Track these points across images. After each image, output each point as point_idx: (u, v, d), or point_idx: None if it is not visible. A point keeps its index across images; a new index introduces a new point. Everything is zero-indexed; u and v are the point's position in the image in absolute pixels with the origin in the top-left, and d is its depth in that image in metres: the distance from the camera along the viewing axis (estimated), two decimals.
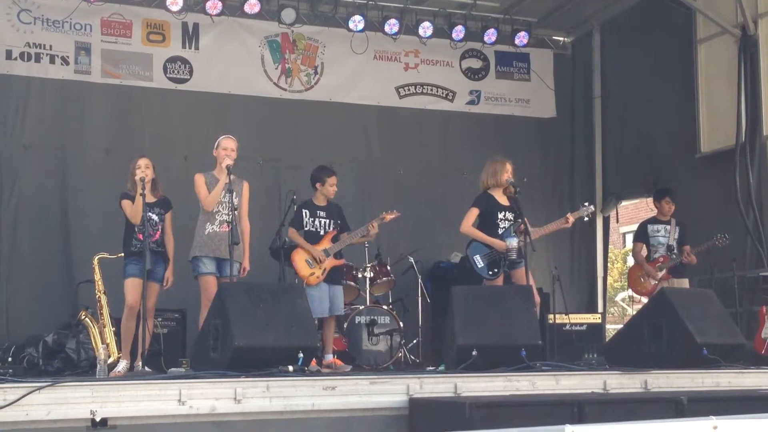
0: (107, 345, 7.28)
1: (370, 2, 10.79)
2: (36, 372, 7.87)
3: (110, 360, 6.99)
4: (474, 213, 7.87)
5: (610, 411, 5.64)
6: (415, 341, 9.41)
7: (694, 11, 10.14)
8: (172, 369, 6.96)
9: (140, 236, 7.19)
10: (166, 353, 8.03)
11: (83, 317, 7.72)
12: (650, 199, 11.34)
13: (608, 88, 11.91)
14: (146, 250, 6.93)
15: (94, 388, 5.28)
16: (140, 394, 5.37)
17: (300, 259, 7.93)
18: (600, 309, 11.51)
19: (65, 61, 9.92)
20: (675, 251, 8.99)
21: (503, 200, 7.87)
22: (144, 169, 7.28)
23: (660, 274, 8.97)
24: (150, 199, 7.30)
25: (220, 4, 10.20)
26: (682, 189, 10.02)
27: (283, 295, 6.59)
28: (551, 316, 9.17)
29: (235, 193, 7.24)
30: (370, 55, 11.06)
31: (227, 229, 7.13)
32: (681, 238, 9.08)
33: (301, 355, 6.11)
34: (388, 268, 9.44)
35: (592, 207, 8.28)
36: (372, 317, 8.90)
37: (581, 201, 11.60)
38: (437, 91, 11.47)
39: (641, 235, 9.30)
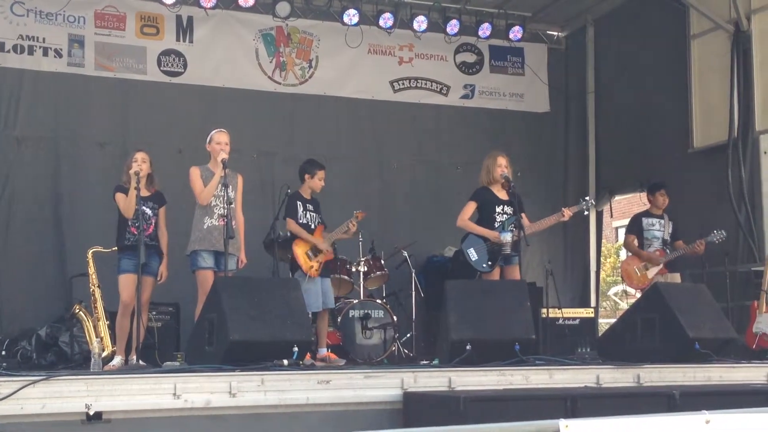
0: (101, 339, 7.28)
1: None
2: (30, 365, 7.86)
3: (104, 354, 6.99)
4: (471, 207, 7.92)
5: (603, 405, 5.69)
6: (408, 335, 9.42)
7: (687, 7, 10.16)
8: (167, 363, 6.97)
9: (133, 230, 7.19)
10: (160, 347, 8.04)
11: (77, 311, 7.71)
12: (643, 194, 11.42)
13: (602, 82, 11.94)
14: (141, 244, 6.92)
15: (88, 382, 5.30)
16: (135, 387, 5.40)
17: (301, 252, 7.92)
18: (593, 303, 11.56)
19: (58, 53, 9.90)
20: (669, 246, 9.00)
21: (502, 195, 7.92)
22: (140, 163, 7.28)
23: (657, 269, 8.95)
24: (144, 193, 7.29)
25: None
26: (675, 184, 10.02)
27: (278, 289, 6.62)
28: (544, 310, 9.19)
29: (230, 186, 7.23)
30: (365, 49, 11.06)
31: (224, 223, 7.12)
32: (674, 233, 9.09)
33: (295, 349, 6.12)
34: (382, 262, 9.45)
35: (592, 201, 8.31)
36: (366, 311, 8.90)
37: (574, 195, 11.79)
38: (431, 86, 11.48)
39: (635, 227, 9.25)
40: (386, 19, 10.81)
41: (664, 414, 4.30)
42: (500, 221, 7.86)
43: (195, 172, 7.47)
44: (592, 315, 9.98)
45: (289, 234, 8.08)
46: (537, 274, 10.40)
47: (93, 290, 7.56)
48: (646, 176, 10.83)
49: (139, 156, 7.39)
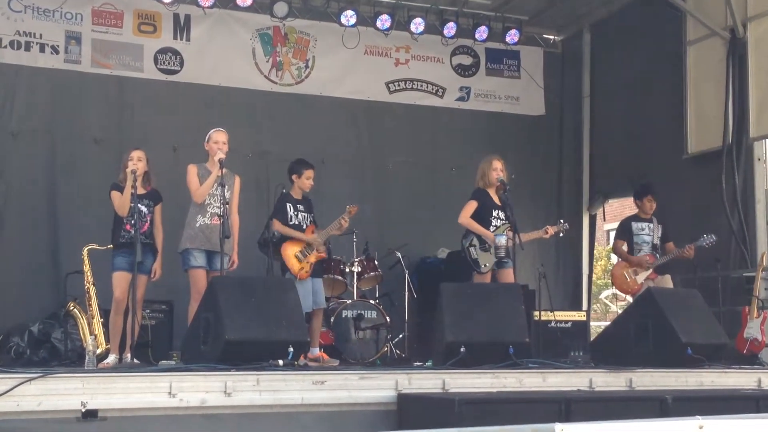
0: (95, 336, 7.28)
1: None
2: (23, 362, 7.87)
3: (98, 351, 6.99)
4: (473, 205, 7.95)
5: (596, 409, 5.70)
6: (401, 336, 9.44)
7: (684, 13, 10.21)
8: (163, 362, 6.98)
9: (129, 227, 7.19)
10: (153, 345, 8.06)
11: (72, 308, 7.71)
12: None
13: (597, 87, 11.98)
14: (137, 242, 6.92)
15: (85, 380, 5.30)
16: (131, 386, 5.40)
17: (290, 255, 7.92)
18: (585, 306, 11.60)
19: (55, 50, 9.90)
20: (658, 250, 9.02)
21: (496, 199, 7.97)
22: (136, 162, 7.29)
23: (645, 275, 8.96)
24: (140, 191, 7.30)
25: None
26: (669, 189, 10.07)
27: (274, 289, 6.63)
28: (537, 313, 9.22)
29: (227, 186, 7.24)
30: (361, 50, 11.09)
31: (218, 222, 7.13)
32: (664, 236, 9.09)
33: (291, 349, 6.14)
34: (376, 262, 9.47)
35: (566, 225, 8.42)
36: (359, 311, 8.92)
37: (569, 199, 11.91)
38: (427, 87, 11.51)
39: (625, 232, 9.19)
40: (383, 21, 10.84)
41: (658, 419, 4.35)
42: (495, 225, 7.90)
43: (192, 170, 7.48)
44: (584, 318, 9.99)
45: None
46: (529, 276, 10.40)
47: (88, 287, 7.56)
48: (640, 181, 10.91)
49: (135, 154, 7.40)
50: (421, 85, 11.50)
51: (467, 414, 5.35)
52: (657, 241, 9.01)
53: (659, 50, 10.75)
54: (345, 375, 6.05)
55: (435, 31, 11.20)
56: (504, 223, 7.89)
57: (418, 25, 11.01)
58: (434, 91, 11.55)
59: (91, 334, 7.34)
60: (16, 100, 9.71)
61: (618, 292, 10.39)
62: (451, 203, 9.75)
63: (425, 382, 6.12)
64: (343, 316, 8.85)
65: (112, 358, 7.08)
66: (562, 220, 8.51)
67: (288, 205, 8.03)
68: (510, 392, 6.17)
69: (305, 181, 8.06)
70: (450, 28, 11.11)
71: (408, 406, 5.89)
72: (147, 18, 10.32)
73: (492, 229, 7.89)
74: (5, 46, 9.69)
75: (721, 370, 7.13)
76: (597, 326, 15.34)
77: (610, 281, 22.59)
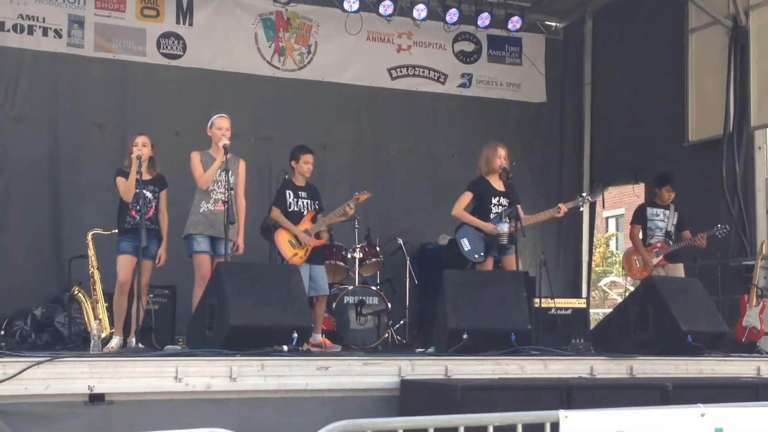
0: (100, 320, 7.32)
1: None
2: (27, 345, 7.91)
3: (103, 335, 7.03)
4: (467, 197, 7.96)
5: (597, 396, 5.77)
6: (402, 322, 9.51)
7: (686, 1, 10.23)
8: (169, 346, 7.03)
9: (134, 213, 7.22)
10: (156, 329, 8.09)
11: (76, 292, 7.75)
12: (636, 186, 11.52)
13: (599, 74, 12.00)
14: (142, 227, 6.96)
15: (92, 364, 5.36)
16: (137, 370, 5.46)
17: (283, 240, 7.96)
18: (584, 294, 11.66)
19: (58, 33, 9.89)
20: (672, 237, 9.02)
21: (499, 185, 7.97)
22: (141, 147, 7.29)
23: (655, 261, 8.93)
24: (145, 176, 7.31)
25: None
26: None
27: (279, 275, 6.69)
28: (537, 300, 9.27)
29: (231, 171, 7.26)
30: (364, 36, 11.08)
31: (223, 208, 7.16)
32: (679, 224, 9.08)
33: (295, 335, 6.19)
34: (377, 249, 9.52)
35: (588, 197, 8.38)
36: (360, 297, 8.98)
37: (569, 186, 11.90)
38: (429, 74, 11.52)
39: (639, 217, 9.24)
40: (386, 7, 10.82)
41: (661, 407, 4.39)
42: (496, 212, 7.91)
43: (195, 157, 7.50)
44: (584, 305, 10.07)
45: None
46: (530, 264, 10.47)
47: (92, 272, 7.59)
48: (640, 168, 10.96)
49: (140, 140, 7.40)
50: (423, 72, 11.50)
51: (469, 400, 5.41)
52: (671, 228, 9.01)
53: (661, 38, 10.76)
54: (349, 361, 6.11)
55: (437, 18, 11.19)
56: (505, 209, 7.89)
57: (420, 11, 11.00)
58: (436, 78, 11.56)
59: (95, 319, 7.38)
60: (20, 85, 9.69)
61: (617, 279, 10.45)
62: (452, 190, 9.73)
63: (428, 368, 6.18)
64: (345, 302, 8.90)
65: (116, 341, 7.11)
66: (584, 193, 8.45)
67: (288, 192, 8.06)
68: (512, 379, 6.23)
69: (303, 165, 8.08)
70: (452, 15, 11.10)
71: (411, 392, 5.96)
72: (150, 2, 10.30)
73: (492, 216, 7.89)
74: (8, 30, 9.66)
75: (721, 358, 7.20)
76: (596, 313, 15.43)
77: (608, 268, 22.79)
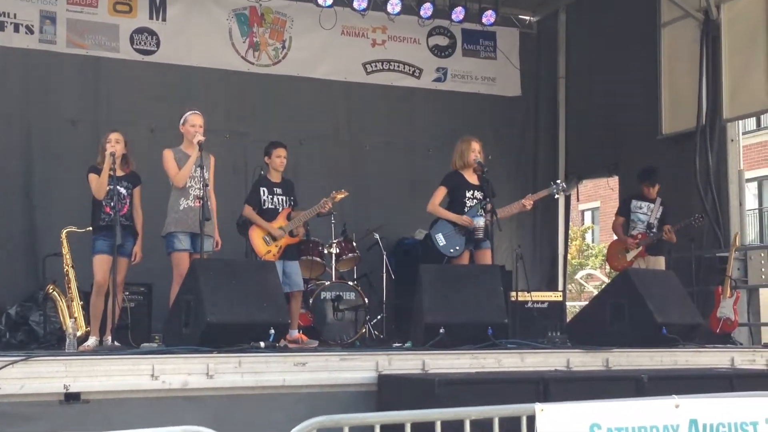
0: (75, 319, 7.27)
1: None
2: (2, 345, 7.86)
3: (78, 334, 6.98)
4: (441, 192, 7.96)
5: (573, 388, 5.79)
6: (379, 317, 9.51)
7: None
8: (145, 344, 6.99)
9: (108, 210, 7.17)
10: (133, 327, 8.05)
11: (51, 291, 7.70)
12: (611, 179, 11.60)
13: (573, 68, 12.06)
14: (116, 224, 6.91)
15: (67, 363, 5.33)
16: (113, 368, 5.43)
17: (257, 237, 7.96)
18: (560, 287, 11.72)
19: (30, 30, 9.80)
20: (654, 229, 9.10)
21: (473, 179, 7.97)
22: (114, 144, 7.25)
23: (634, 252, 9.06)
24: (119, 173, 7.27)
25: None
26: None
27: (255, 271, 6.68)
28: (513, 293, 9.30)
29: (205, 167, 7.23)
30: (338, 31, 11.06)
31: (200, 204, 7.13)
32: (663, 217, 9.16)
33: (272, 331, 6.18)
34: (354, 244, 9.51)
35: (563, 184, 8.37)
36: (337, 293, 8.96)
37: (544, 179, 11.89)
38: (404, 68, 11.53)
39: (623, 209, 9.42)
40: (360, 1, 10.77)
41: (636, 398, 4.43)
42: (470, 206, 7.91)
43: (168, 155, 7.45)
44: (561, 298, 10.11)
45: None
46: (506, 257, 10.52)
47: (67, 270, 7.54)
48: (615, 161, 11.03)
49: (113, 136, 7.36)
50: (398, 66, 11.51)
51: (447, 394, 5.41)
52: (654, 221, 9.10)
53: (634, 31, 10.82)
54: (326, 356, 6.11)
55: (411, 12, 11.16)
56: (479, 202, 7.89)
57: (394, 5, 10.97)
58: (411, 72, 11.57)
59: (71, 317, 7.33)
60: None
61: (593, 272, 10.52)
62: (428, 184, 9.73)
63: (405, 363, 6.19)
64: (322, 297, 8.88)
65: (92, 341, 7.08)
66: (558, 180, 8.48)
67: (262, 189, 8.05)
68: (489, 372, 6.26)
69: (276, 159, 8.08)
70: (426, 9, 11.08)
71: (388, 387, 5.96)
72: None
73: (466, 209, 7.89)
74: None
75: (695, 349, 7.26)
76: (572, 306, 15.52)
77: (584, 261, 22.92)
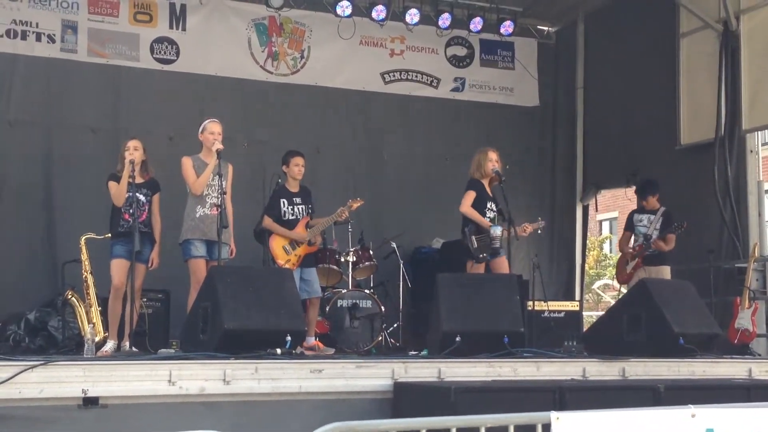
0: (94, 324, 7.32)
1: None
2: (21, 350, 7.92)
3: (97, 339, 7.04)
4: (472, 195, 7.97)
5: (589, 398, 5.77)
6: (395, 325, 9.52)
7: (677, 5, 10.27)
8: (162, 350, 7.04)
9: (127, 217, 7.23)
10: (150, 333, 8.10)
11: (70, 296, 7.75)
12: (629, 189, 11.56)
13: (591, 78, 12.05)
14: (135, 231, 6.97)
15: (86, 368, 5.37)
16: (131, 374, 5.47)
17: (278, 246, 8.02)
18: (578, 296, 11.69)
19: (51, 39, 9.90)
20: (652, 240, 9.08)
21: (489, 191, 8.02)
22: (132, 151, 7.31)
23: (632, 264, 9.10)
24: (138, 180, 7.33)
25: None
26: (661, 180, 10.16)
27: (272, 279, 6.70)
28: (530, 303, 9.30)
29: (223, 176, 7.29)
30: (357, 41, 11.12)
31: (217, 212, 7.18)
32: (663, 227, 9.13)
33: (288, 338, 6.21)
34: (371, 252, 9.53)
35: (543, 223, 8.40)
36: (354, 301, 8.98)
37: (562, 189, 11.99)
38: (422, 78, 11.56)
39: (628, 224, 9.48)
40: (379, 11, 10.86)
41: (652, 408, 4.41)
42: (489, 218, 7.95)
43: (187, 163, 7.51)
44: (578, 308, 10.11)
45: None
46: (523, 266, 10.51)
47: (86, 276, 7.59)
48: (633, 172, 11.00)
49: (132, 144, 7.43)
50: (416, 76, 11.54)
51: (463, 402, 5.42)
52: (653, 233, 9.07)
53: (653, 42, 10.81)
54: (342, 363, 6.13)
55: (430, 22, 11.22)
56: (496, 215, 7.94)
57: (413, 15, 11.04)
58: (429, 82, 11.60)
59: (89, 323, 7.39)
60: (13, 90, 9.72)
61: (610, 282, 10.51)
62: (445, 193, 9.84)
63: (421, 370, 6.19)
64: (339, 305, 8.91)
65: (110, 345, 7.13)
66: (540, 218, 8.54)
67: (282, 200, 8.10)
68: (505, 381, 6.25)
69: (294, 168, 8.13)
70: (445, 19, 11.14)
71: (404, 394, 5.97)
72: (143, 7, 10.33)
73: (487, 220, 7.93)
74: (1, 35, 9.68)
75: (713, 359, 7.22)
76: (589, 316, 15.46)
77: (601, 271, 22.84)
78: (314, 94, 10.95)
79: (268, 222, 8.05)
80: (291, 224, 8.08)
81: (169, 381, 5.50)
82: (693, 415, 4.02)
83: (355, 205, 8.31)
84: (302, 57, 11.00)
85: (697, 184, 9.92)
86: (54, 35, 9.90)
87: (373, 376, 6.06)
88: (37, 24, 9.84)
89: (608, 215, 25.01)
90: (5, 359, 5.56)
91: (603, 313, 12.31)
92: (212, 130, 7.54)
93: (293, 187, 8.19)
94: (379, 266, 9.66)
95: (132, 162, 7.21)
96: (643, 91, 10.92)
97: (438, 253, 10.47)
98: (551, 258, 11.79)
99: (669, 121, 10.42)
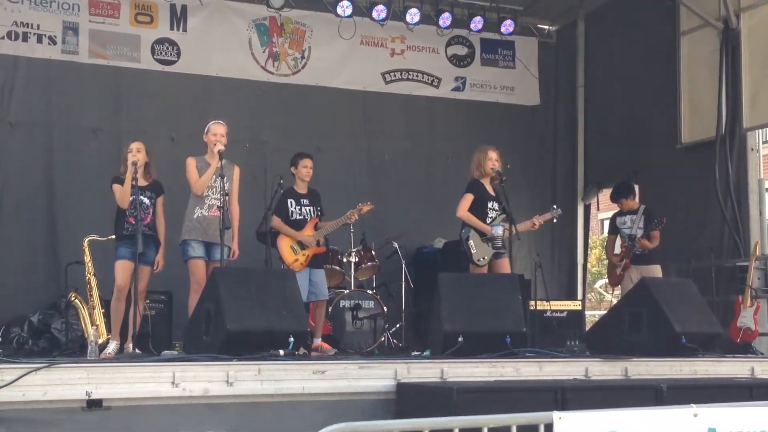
0: (97, 326, 7.34)
1: None
2: (25, 352, 7.93)
3: (100, 341, 7.05)
4: (469, 199, 7.96)
5: (592, 397, 5.78)
6: (398, 325, 9.53)
7: (677, 3, 10.27)
8: (166, 352, 7.05)
9: (131, 219, 7.24)
10: (153, 335, 8.11)
11: (73, 298, 7.77)
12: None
13: (592, 77, 12.06)
14: (138, 233, 6.98)
15: (89, 370, 5.38)
16: (135, 376, 5.48)
17: (285, 246, 8.03)
18: (580, 296, 11.69)
19: (52, 40, 9.92)
20: (636, 240, 9.06)
21: (491, 190, 8.01)
22: (135, 153, 7.33)
23: (621, 265, 9.12)
24: (142, 182, 7.35)
25: None
26: (662, 179, 10.23)
27: (275, 280, 6.71)
28: (532, 302, 9.30)
29: (226, 177, 7.30)
30: (357, 41, 11.12)
31: (217, 213, 7.20)
32: (647, 225, 9.06)
33: (291, 339, 6.22)
34: (373, 252, 9.54)
35: (559, 210, 8.35)
36: (356, 301, 9.01)
37: (563, 188, 11.97)
38: (423, 77, 11.57)
39: (612, 227, 9.51)
40: (379, 11, 10.86)
41: (654, 407, 4.42)
42: (491, 217, 7.95)
43: (191, 163, 7.54)
44: (580, 307, 10.10)
45: None
46: (525, 266, 10.51)
47: (89, 278, 7.62)
48: (634, 170, 10.99)
49: (135, 146, 7.44)
50: (417, 76, 11.55)
51: (465, 402, 5.43)
52: (636, 232, 9.06)
53: (653, 40, 10.81)
54: (345, 364, 6.14)
55: (430, 22, 11.23)
56: (499, 214, 7.94)
57: (413, 15, 11.05)
58: (430, 82, 11.61)
59: (92, 325, 7.40)
60: (14, 91, 9.73)
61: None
62: (447, 193, 9.84)
63: (424, 371, 6.21)
64: (341, 305, 8.93)
65: (113, 346, 7.14)
66: (555, 206, 8.44)
67: (289, 201, 8.11)
68: (507, 381, 6.26)
69: (302, 170, 8.14)
70: (445, 19, 11.15)
71: (407, 394, 5.98)
72: (143, 8, 10.34)
73: (488, 220, 7.93)
74: (2, 37, 9.69)
75: (715, 359, 7.23)
76: (591, 315, 15.46)
77: (603, 270, 22.79)
78: (315, 95, 10.96)
79: (276, 222, 8.06)
80: (298, 225, 8.09)
81: (173, 383, 5.51)
82: (695, 415, 4.03)
83: (366, 209, 8.32)
84: (303, 57, 11.01)
85: (698, 182, 9.92)
86: (55, 37, 9.91)
87: (376, 376, 6.07)
88: (38, 26, 9.85)
89: (610, 214, 24.92)
90: (9, 362, 5.58)
91: (605, 312, 12.33)
92: (215, 132, 7.56)
93: (301, 188, 8.20)
94: (382, 266, 9.68)
95: (134, 164, 7.22)
96: (644, 89, 10.92)
97: (440, 252, 10.48)
98: (553, 257, 11.80)
99: (670, 119, 10.41)
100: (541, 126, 12.11)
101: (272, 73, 10.84)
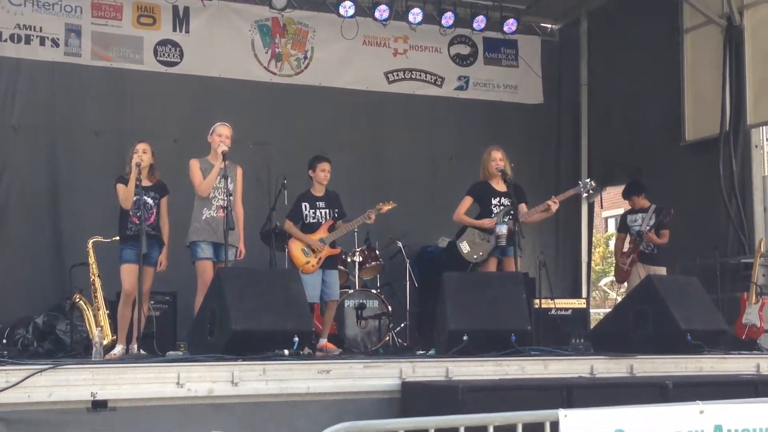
0: (102, 328, 7.34)
1: None
2: (30, 354, 7.93)
3: (105, 342, 7.05)
4: (467, 201, 8.02)
5: (597, 395, 5.78)
6: (402, 325, 9.52)
7: (680, 1, 10.25)
8: (170, 352, 7.05)
9: (135, 219, 7.25)
10: (158, 336, 8.11)
11: (78, 300, 7.77)
12: None
13: (595, 75, 12.04)
14: (142, 234, 6.98)
15: (94, 371, 5.39)
16: (139, 376, 5.48)
17: (296, 248, 8.05)
18: (584, 294, 11.68)
19: (55, 43, 9.94)
20: (644, 234, 9.04)
21: (501, 187, 8.03)
22: (141, 154, 7.33)
23: (628, 261, 9.10)
24: (146, 183, 7.35)
25: None
26: (667, 176, 10.20)
27: (279, 280, 6.71)
28: (537, 300, 9.29)
29: (229, 178, 7.30)
30: (360, 41, 11.13)
31: (223, 214, 7.20)
32: (657, 224, 9.08)
33: (296, 339, 6.21)
34: (377, 252, 9.54)
35: (592, 182, 8.36)
36: (361, 301, 9.01)
37: (567, 186, 11.80)
38: (426, 77, 11.56)
39: (622, 226, 9.50)
40: (381, 11, 10.88)
41: (660, 404, 4.42)
42: (495, 213, 7.95)
43: (195, 165, 7.54)
44: (584, 305, 10.09)
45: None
46: (529, 264, 10.47)
47: (93, 280, 7.61)
48: (637, 168, 10.97)
49: (141, 147, 7.45)
50: (420, 75, 11.55)
51: (470, 401, 5.42)
52: (645, 229, 9.04)
53: (656, 38, 10.79)
54: (350, 364, 6.14)
55: (433, 21, 11.24)
56: (504, 208, 7.93)
57: (416, 15, 11.06)
58: (433, 81, 11.60)
59: (97, 326, 7.40)
60: (17, 94, 9.75)
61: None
62: (451, 192, 9.79)
63: (429, 370, 6.20)
64: (346, 305, 8.93)
65: (119, 349, 7.15)
66: (588, 179, 8.43)
67: (304, 204, 8.13)
68: (513, 379, 6.25)
69: (320, 173, 8.16)
70: (448, 18, 11.15)
71: (412, 393, 5.98)
72: (146, 10, 10.35)
73: (493, 216, 7.93)
74: (5, 40, 9.71)
75: (721, 355, 7.22)
76: (596, 313, 15.46)
77: (608, 269, 22.81)
78: (318, 95, 10.96)
79: (288, 225, 8.13)
80: (312, 227, 8.10)
81: (178, 383, 5.52)
82: (701, 411, 4.03)
83: (386, 208, 8.32)
84: (306, 57, 11.01)
85: (703, 179, 9.90)
86: (58, 39, 9.93)
87: (381, 376, 6.07)
88: (40, 28, 9.87)
89: (614, 212, 24.95)
90: (14, 363, 5.59)
91: (610, 310, 12.32)
92: (219, 132, 7.58)
93: (318, 191, 8.21)
94: (386, 266, 9.67)
95: (138, 165, 7.22)
96: (648, 87, 10.90)
97: (444, 252, 10.44)
98: (557, 255, 11.78)
99: (674, 117, 10.40)
100: (544, 124, 12.08)
101: (275, 74, 10.85)
